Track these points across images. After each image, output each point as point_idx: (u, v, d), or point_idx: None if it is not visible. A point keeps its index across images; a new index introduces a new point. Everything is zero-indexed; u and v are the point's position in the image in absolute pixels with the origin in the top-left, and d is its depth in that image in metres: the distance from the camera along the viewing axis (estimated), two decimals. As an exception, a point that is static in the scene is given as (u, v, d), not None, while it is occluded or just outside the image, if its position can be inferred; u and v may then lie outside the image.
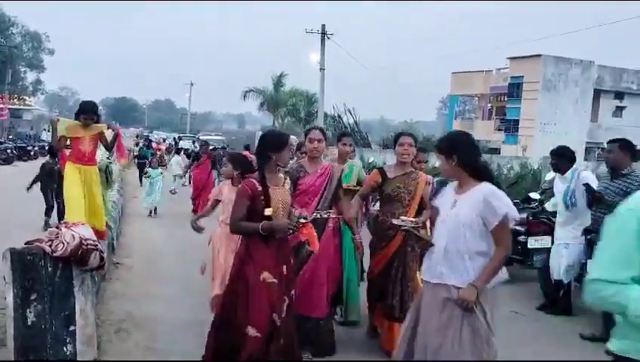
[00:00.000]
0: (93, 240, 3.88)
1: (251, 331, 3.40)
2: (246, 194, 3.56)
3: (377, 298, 4.48)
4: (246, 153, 4.97)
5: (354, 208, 4.61)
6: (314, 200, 4.29)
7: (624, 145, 5.01)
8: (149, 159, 14.54)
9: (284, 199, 3.68)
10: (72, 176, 5.85)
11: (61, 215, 8.64)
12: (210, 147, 14.43)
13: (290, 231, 3.61)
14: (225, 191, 4.89)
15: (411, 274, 4.33)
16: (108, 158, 7.58)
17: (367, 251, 4.64)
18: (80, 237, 3.73)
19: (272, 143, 3.68)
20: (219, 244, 4.71)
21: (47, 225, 8.88)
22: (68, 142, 6.06)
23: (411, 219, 4.05)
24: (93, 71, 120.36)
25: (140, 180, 13.65)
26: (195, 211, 11.65)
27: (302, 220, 3.68)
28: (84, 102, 6.33)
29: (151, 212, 11.82)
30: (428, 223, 4.32)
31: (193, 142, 35.19)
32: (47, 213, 9.51)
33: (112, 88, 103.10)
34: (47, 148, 18.40)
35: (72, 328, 3.73)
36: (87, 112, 5.97)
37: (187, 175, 13.55)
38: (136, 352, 4.30)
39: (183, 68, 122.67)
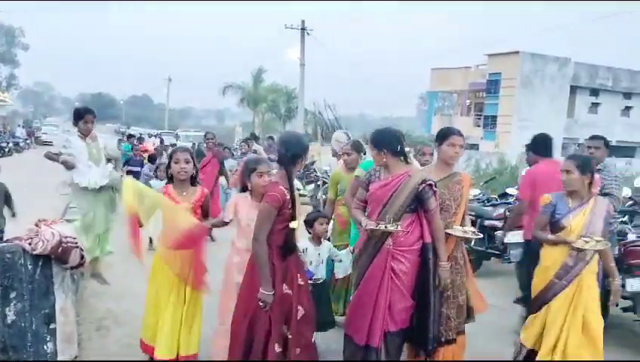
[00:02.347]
0: (73, 238, 3.87)
1: (277, 348, 3.26)
2: (277, 203, 3.21)
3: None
4: None
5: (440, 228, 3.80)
6: (377, 211, 3.66)
7: (606, 141, 5.20)
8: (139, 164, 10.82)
9: (300, 207, 3.45)
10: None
11: None
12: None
13: None
14: (243, 208, 3.75)
15: (454, 293, 3.79)
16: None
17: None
18: (60, 235, 3.73)
19: (302, 147, 3.43)
20: (238, 277, 3.62)
21: None
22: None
23: (472, 229, 3.78)
24: (69, 67, 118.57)
25: None
26: None
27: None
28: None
29: (151, 240, 6.83)
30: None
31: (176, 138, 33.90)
32: None
33: (88, 84, 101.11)
34: None
35: (52, 326, 3.73)
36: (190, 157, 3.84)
37: None
38: (117, 349, 4.31)
39: (160, 63, 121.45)
